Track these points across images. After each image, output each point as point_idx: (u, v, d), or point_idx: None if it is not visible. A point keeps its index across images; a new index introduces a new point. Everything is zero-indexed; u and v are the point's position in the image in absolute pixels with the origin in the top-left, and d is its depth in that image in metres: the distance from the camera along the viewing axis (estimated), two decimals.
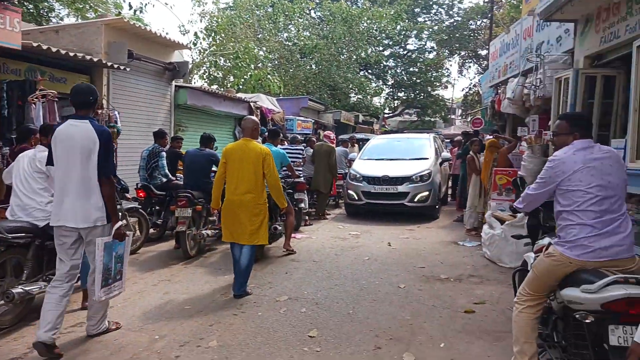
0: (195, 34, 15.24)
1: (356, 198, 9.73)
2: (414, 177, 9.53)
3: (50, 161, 3.67)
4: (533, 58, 7.76)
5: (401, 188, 9.45)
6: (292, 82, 22.52)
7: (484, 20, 28.88)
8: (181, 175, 7.83)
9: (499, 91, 10.97)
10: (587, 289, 2.52)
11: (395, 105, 34.63)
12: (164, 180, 7.41)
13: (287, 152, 8.62)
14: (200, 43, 15.81)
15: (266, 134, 8.25)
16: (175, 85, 10.50)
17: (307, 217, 8.92)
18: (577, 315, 2.50)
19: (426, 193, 9.47)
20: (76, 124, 3.54)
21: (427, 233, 8.49)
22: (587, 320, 2.46)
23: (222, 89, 13.96)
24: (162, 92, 10.02)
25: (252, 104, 12.94)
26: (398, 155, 10.70)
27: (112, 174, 3.68)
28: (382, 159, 10.60)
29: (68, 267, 3.61)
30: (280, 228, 6.51)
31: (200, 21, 18.31)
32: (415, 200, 9.43)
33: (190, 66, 14.83)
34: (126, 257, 3.91)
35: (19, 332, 3.96)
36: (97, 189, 3.54)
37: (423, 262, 6.38)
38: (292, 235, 7.63)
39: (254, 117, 6.11)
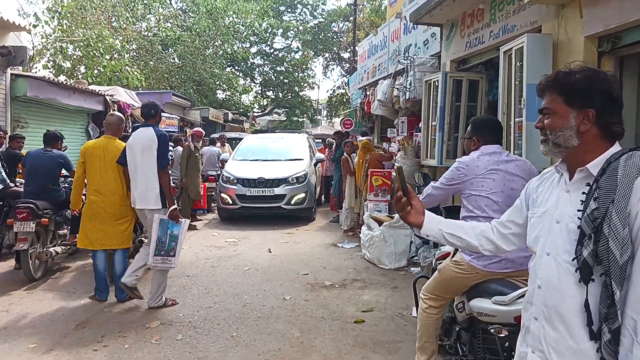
0: (35, 14, 13.12)
1: (230, 202, 9.16)
2: (290, 178, 9.27)
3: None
4: (403, 60, 7.98)
5: (278, 190, 9.13)
6: (154, 75, 20.95)
7: (346, 23, 29.94)
8: (22, 180, 6.60)
9: (368, 93, 11.26)
10: (499, 300, 2.41)
11: (265, 104, 34.37)
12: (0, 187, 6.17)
13: None
14: (42, 26, 13.72)
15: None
16: (12, 74, 8.90)
17: None
18: (492, 330, 2.38)
19: (303, 195, 9.29)
20: (144, 130, 4.60)
21: (306, 236, 8.30)
22: (501, 335, 2.35)
23: (71, 80, 12.27)
24: None
25: (108, 97, 11.59)
26: (273, 156, 10.37)
27: (166, 165, 4.58)
28: (257, 160, 10.18)
29: None
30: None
31: (43, 2, 15.91)
32: (292, 202, 9.19)
33: (31, 53, 12.87)
34: (181, 239, 4.62)
35: None
36: (153, 178, 4.47)
37: (306, 268, 6.13)
38: None
39: (119, 114, 5.38)
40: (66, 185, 6.06)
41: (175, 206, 4.60)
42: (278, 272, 5.92)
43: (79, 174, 4.75)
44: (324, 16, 32.25)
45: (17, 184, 6.52)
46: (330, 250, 7.25)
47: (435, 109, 6.87)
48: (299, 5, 32.50)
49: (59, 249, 5.62)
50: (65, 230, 5.98)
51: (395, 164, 7.38)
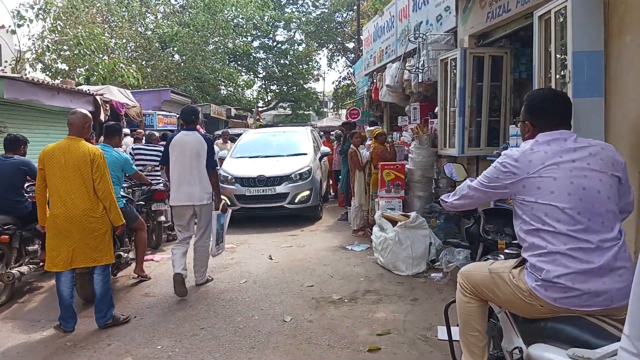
0: (19, 13, 12.27)
1: (229, 203, 8.38)
2: (292, 175, 8.47)
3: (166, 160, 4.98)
4: (414, 39, 7.14)
5: (279, 189, 8.34)
6: (153, 73, 20.24)
7: (350, 12, 28.95)
8: None
9: (375, 79, 10.40)
10: (581, 355, 1.60)
11: (269, 98, 33.52)
12: None
13: (142, 153, 7.10)
14: (28, 26, 12.97)
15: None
16: None
17: (170, 232, 7.37)
18: None
19: (307, 192, 8.49)
20: (189, 134, 4.92)
21: (312, 238, 7.49)
22: None
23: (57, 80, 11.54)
24: None
25: (98, 97, 10.84)
26: (274, 152, 9.58)
27: (215, 166, 5.00)
28: (257, 157, 9.40)
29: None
30: (126, 255, 4.98)
31: (34, 3, 15.11)
32: (296, 201, 8.40)
33: (19, 55, 12.16)
34: (225, 226, 5.39)
35: None
36: (206, 178, 4.87)
37: (310, 278, 5.34)
38: (150, 257, 6.20)
39: (83, 111, 4.47)
40: (33, 195, 5.31)
41: (223, 200, 5.36)
42: (278, 285, 5.14)
43: (38, 183, 4.01)
44: (326, 6, 31.27)
45: None
46: (338, 254, 6.45)
47: (454, 91, 6.04)
48: None
49: (25, 268, 4.84)
50: (36, 246, 5.24)
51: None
